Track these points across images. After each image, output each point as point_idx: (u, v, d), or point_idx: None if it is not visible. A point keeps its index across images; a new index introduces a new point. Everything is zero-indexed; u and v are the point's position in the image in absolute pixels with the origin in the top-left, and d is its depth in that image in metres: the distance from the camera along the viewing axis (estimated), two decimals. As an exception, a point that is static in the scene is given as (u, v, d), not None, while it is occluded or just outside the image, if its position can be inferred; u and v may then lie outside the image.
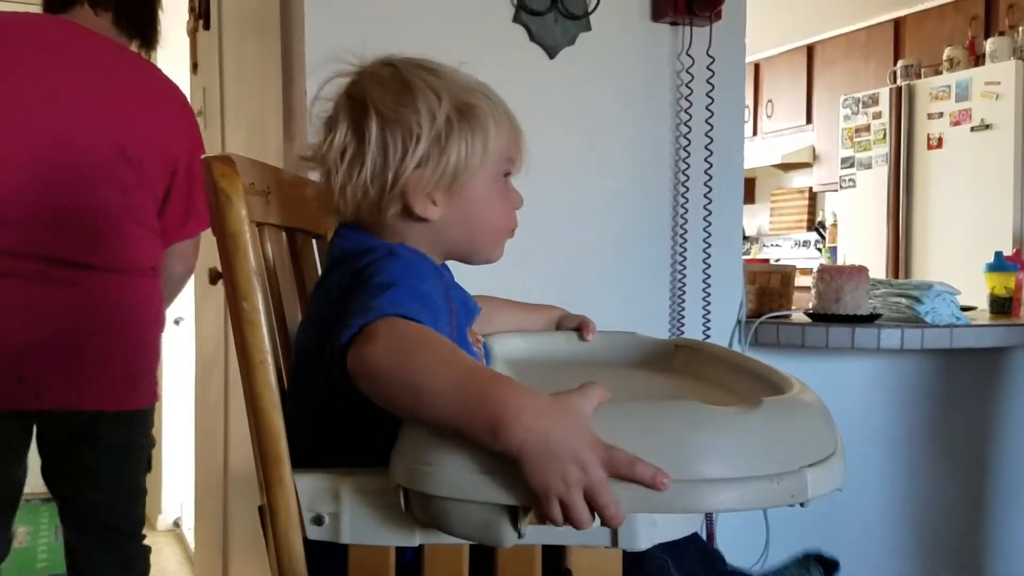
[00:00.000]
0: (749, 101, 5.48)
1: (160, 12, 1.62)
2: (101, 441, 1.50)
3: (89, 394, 1.44)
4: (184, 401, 3.01)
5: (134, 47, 1.59)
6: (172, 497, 3.30)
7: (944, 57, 4.04)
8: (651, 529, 0.63)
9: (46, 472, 1.55)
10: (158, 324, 1.59)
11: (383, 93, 0.79)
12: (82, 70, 1.46)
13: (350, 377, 0.62)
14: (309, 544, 0.68)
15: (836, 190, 4.45)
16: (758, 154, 5.31)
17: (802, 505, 0.60)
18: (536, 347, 1.07)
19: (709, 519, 1.79)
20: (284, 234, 0.92)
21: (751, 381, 0.81)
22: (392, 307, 0.64)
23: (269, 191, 0.86)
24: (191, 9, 2.48)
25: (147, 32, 1.58)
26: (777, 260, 5.03)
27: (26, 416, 1.46)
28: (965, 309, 1.92)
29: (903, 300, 1.80)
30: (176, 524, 3.30)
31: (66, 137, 1.43)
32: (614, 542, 0.63)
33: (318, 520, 0.66)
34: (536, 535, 0.62)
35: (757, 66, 5.43)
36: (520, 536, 0.60)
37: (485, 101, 0.82)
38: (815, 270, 1.88)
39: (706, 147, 1.81)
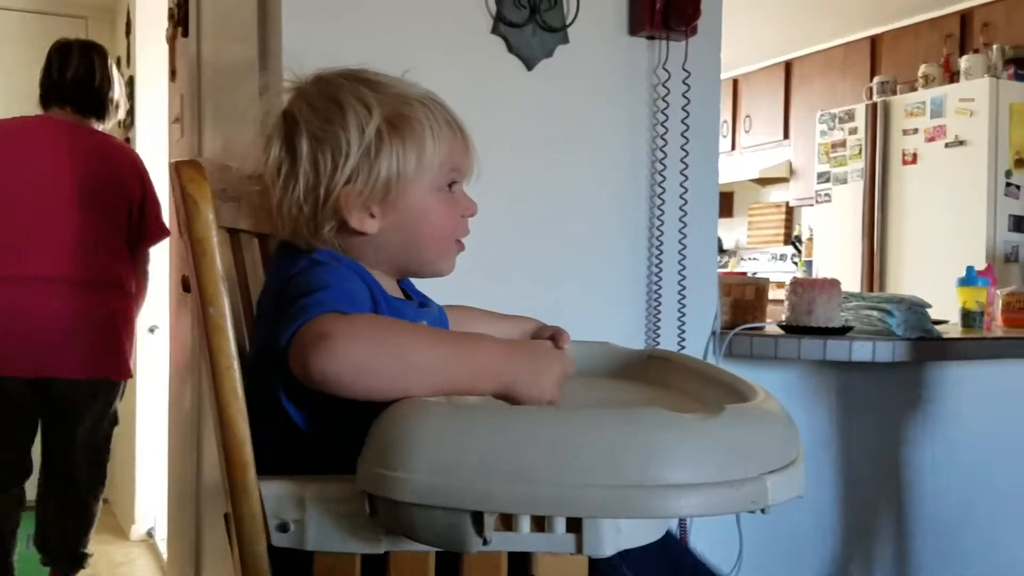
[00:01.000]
0: (728, 116, 5.54)
1: (111, 97, 2.41)
2: (92, 401, 2.25)
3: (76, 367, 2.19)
4: (158, 410, 2.98)
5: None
6: (145, 507, 3.26)
7: (919, 74, 4.10)
8: (616, 535, 0.64)
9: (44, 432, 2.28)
10: (124, 321, 2.31)
11: (311, 111, 0.80)
12: (64, 149, 2.26)
13: (311, 381, 0.63)
14: (274, 552, 0.67)
15: (812, 205, 4.50)
16: (736, 168, 5.35)
17: (763, 511, 0.60)
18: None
19: (683, 528, 1.80)
20: (256, 240, 0.92)
21: (719, 390, 0.82)
22: (328, 305, 0.66)
23: (241, 197, 0.86)
24: (170, 16, 2.47)
25: (100, 113, 2.38)
26: (754, 273, 5.07)
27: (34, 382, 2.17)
28: (937, 323, 1.95)
29: (875, 313, 1.82)
30: (149, 534, 3.26)
31: (56, 195, 2.20)
32: (579, 548, 0.64)
33: (283, 527, 0.65)
34: (502, 542, 0.62)
35: (735, 81, 5.49)
36: (486, 543, 0.60)
37: (422, 111, 0.82)
38: (788, 283, 1.90)
39: (682, 160, 1.83)
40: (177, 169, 0.67)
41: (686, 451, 0.58)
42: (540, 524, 0.62)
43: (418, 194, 0.82)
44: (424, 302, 0.93)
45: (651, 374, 1.02)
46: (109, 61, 2.44)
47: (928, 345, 1.80)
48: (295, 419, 0.70)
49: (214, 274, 0.65)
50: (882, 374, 2.04)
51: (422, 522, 0.60)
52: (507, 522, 0.61)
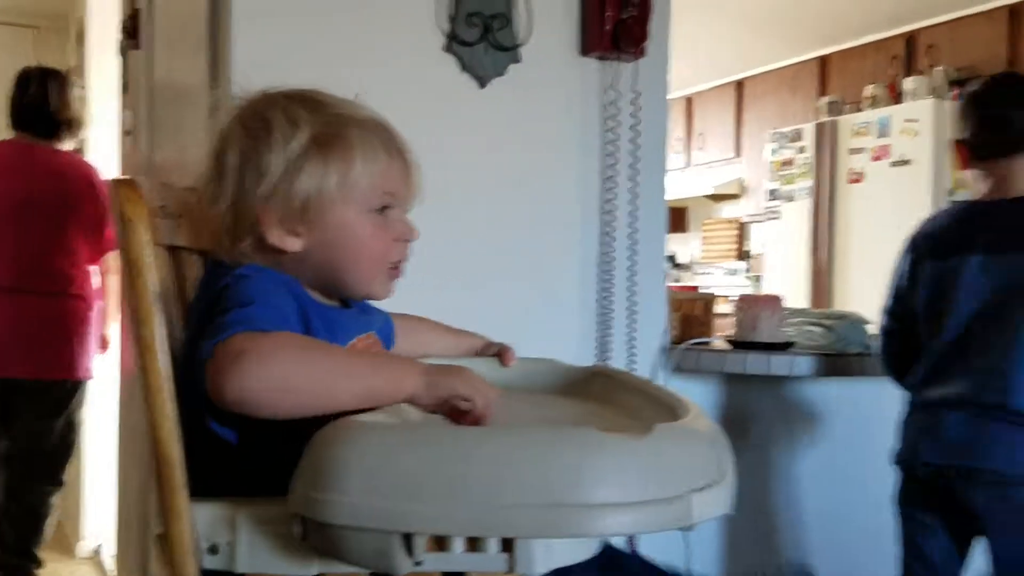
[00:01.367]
0: (682, 133, 5.62)
1: (67, 119, 2.62)
2: (40, 399, 2.45)
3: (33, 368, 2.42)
4: (107, 425, 2.93)
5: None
6: (93, 524, 3.20)
7: (866, 95, 4.20)
8: (547, 554, 0.65)
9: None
10: (75, 324, 2.50)
11: (241, 128, 0.82)
12: (18, 170, 2.52)
13: (225, 404, 0.64)
14: (205, 574, 0.67)
15: (762, 221, 4.58)
16: (690, 184, 5.44)
17: (688, 529, 0.62)
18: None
19: (631, 539, 1.81)
20: (196, 256, 0.92)
21: (656, 407, 0.84)
22: (249, 322, 0.67)
23: (181, 214, 0.86)
24: (123, 28, 2.45)
25: (58, 135, 2.61)
26: (708, 288, 5.15)
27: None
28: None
29: (817, 329, 1.87)
30: (96, 552, 3.20)
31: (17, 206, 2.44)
32: (511, 568, 0.64)
33: (214, 549, 0.65)
34: (434, 563, 0.63)
35: (689, 100, 5.58)
36: (417, 564, 0.61)
37: (356, 132, 0.82)
38: (735, 299, 1.94)
39: (631, 178, 1.86)
40: (114, 188, 0.67)
41: (614, 470, 0.60)
42: (472, 544, 0.63)
43: (341, 214, 0.82)
44: (365, 309, 0.93)
45: (594, 390, 1.03)
46: (69, 85, 2.66)
47: (867, 360, 1.85)
48: (224, 436, 0.70)
49: (147, 294, 0.65)
50: (826, 388, 2.08)
51: (353, 544, 0.60)
52: (439, 542, 0.62)
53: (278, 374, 0.64)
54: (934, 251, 1.61)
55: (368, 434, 0.60)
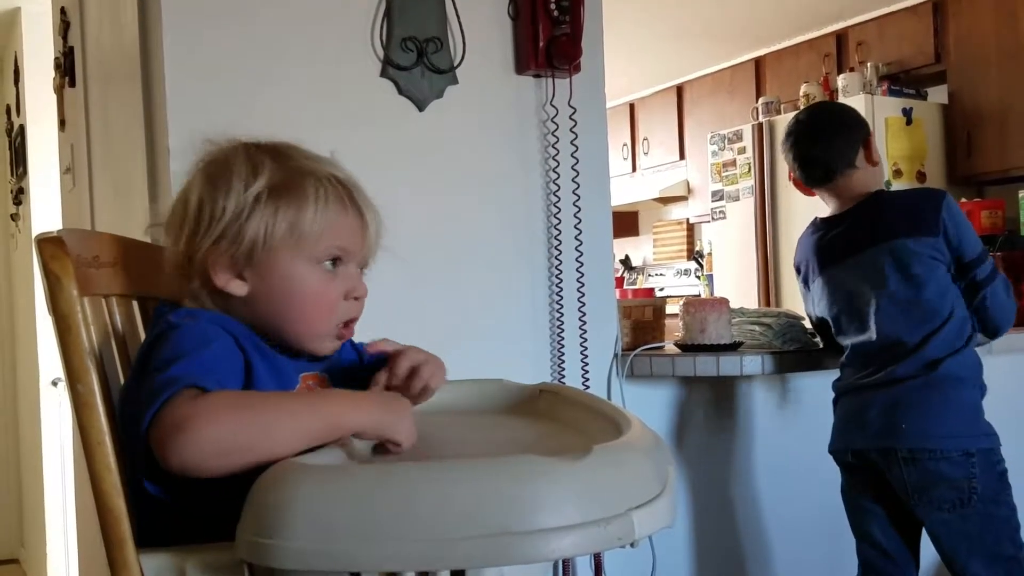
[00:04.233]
0: (627, 139, 5.69)
1: None
2: None
3: None
4: (66, 465, 2.88)
5: None
6: (57, 566, 3.13)
7: (801, 93, 4.29)
8: (499, 579, 0.66)
9: None
10: None
11: (204, 171, 0.83)
12: None
13: (172, 471, 0.65)
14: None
15: (710, 221, 4.66)
16: (638, 189, 5.50)
17: (632, 545, 0.64)
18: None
19: (597, 555, 1.83)
20: (136, 303, 0.91)
21: (601, 422, 0.86)
22: (181, 381, 0.68)
23: (116, 262, 0.85)
24: (57, 67, 2.42)
25: None
26: (661, 289, 5.21)
27: None
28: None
29: (756, 328, 1.91)
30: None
31: None
32: (464, 598, 0.65)
33: (163, 599, 0.65)
34: (383, 601, 0.63)
35: (632, 106, 5.65)
36: (365, 605, 0.62)
37: (313, 184, 0.82)
38: (681, 303, 1.98)
39: (574, 192, 1.88)
40: (39, 246, 0.67)
41: (554, 495, 0.61)
42: (424, 576, 0.63)
43: (287, 263, 0.81)
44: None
45: (542, 408, 1.05)
46: None
47: (812, 355, 1.90)
48: (156, 494, 0.70)
49: (80, 350, 0.65)
50: (775, 385, 2.12)
51: (301, 588, 0.60)
52: (391, 578, 0.63)
53: (220, 438, 0.65)
54: (820, 266, 1.83)
55: (310, 476, 0.61)
